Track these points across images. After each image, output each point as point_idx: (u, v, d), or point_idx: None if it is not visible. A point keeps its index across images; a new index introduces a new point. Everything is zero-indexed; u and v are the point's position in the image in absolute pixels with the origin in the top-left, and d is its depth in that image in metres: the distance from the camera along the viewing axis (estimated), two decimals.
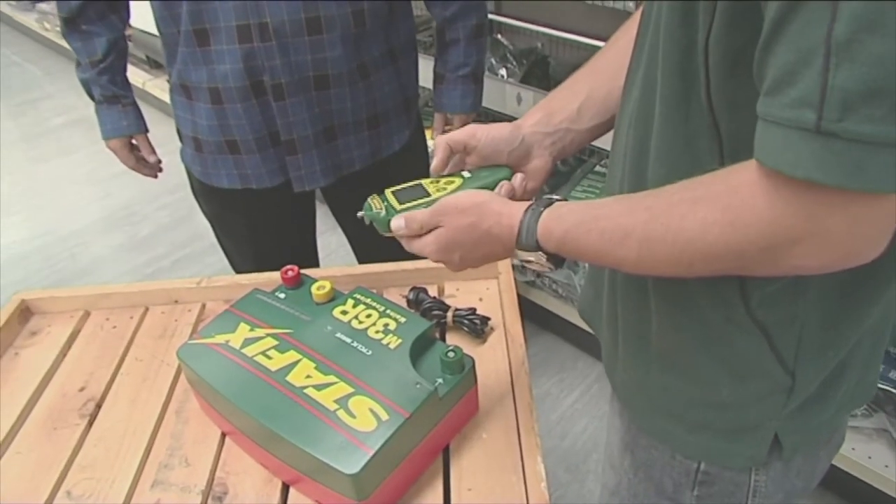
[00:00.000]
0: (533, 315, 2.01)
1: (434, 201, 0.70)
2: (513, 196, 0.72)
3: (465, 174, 0.75)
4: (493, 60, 1.87)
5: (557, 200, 0.63)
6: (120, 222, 2.86)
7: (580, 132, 0.76)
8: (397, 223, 0.70)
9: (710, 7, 0.48)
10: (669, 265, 0.53)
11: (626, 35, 0.75)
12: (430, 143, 1.43)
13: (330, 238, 2.02)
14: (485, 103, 1.38)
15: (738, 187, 0.47)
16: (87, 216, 2.93)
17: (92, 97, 1.24)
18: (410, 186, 0.75)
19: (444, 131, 1.35)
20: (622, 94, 0.68)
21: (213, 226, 1.36)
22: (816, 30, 0.39)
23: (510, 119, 1.74)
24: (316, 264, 1.50)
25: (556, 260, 0.63)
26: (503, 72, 1.85)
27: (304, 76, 1.08)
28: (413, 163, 1.31)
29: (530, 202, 0.63)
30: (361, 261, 1.47)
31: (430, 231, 0.68)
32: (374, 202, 0.74)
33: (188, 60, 1.09)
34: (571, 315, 1.90)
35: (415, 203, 0.72)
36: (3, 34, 5.11)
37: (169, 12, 1.07)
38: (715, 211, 0.48)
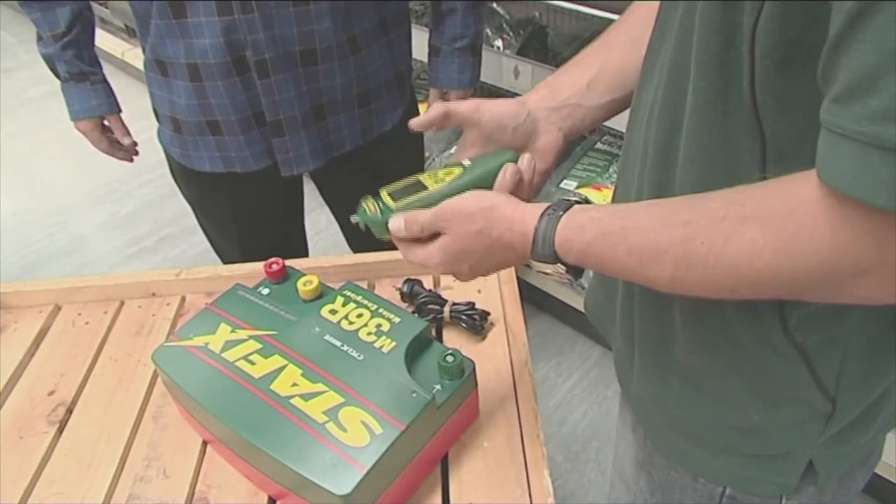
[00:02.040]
0: (529, 297, 1.95)
1: (434, 198, 0.63)
2: (521, 180, 0.64)
3: (466, 163, 0.68)
4: (488, 31, 1.79)
5: (576, 202, 0.55)
6: (101, 199, 2.77)
7: (591, 108, 0.69)
8: (396, 224, 0.62)
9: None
10: (709, 289, 0.46)
11: (646, 5, 0.68)
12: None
13: (319, 216, 1.95)
14: (481, 76, 1.31)
15: (795, 207, 0.40)
16: (66, 193, 2.83)
17: (57, 74, 1.15)
18: (406, 184, 0.68)
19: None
20: (641, 75, 0.61)
21: (194, 210, 1.28)
22: None
23: (508, 93, 1.67)
24: (304, 248, 1.43)
25: (576, 271, 0.56)
26: (499, 43, 1.77)
27: (289, 51, 0.99)
28: (406, 143, 1.24)
29: (546, 206, 0.56)
30: (352, 244, 1.40)
31: (433, 237, 0.61)
32: (367, 205, 0.66)
33: (163, 34, 1.01)
34: (569, 297, 1.84)
35: (413, 199, 0.65)
36: None
37: None
38: (766, 233, 0.41)
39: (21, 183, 2.94)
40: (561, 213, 0.54)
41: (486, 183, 0.65)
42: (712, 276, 0.45)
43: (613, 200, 0.71)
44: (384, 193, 0.67)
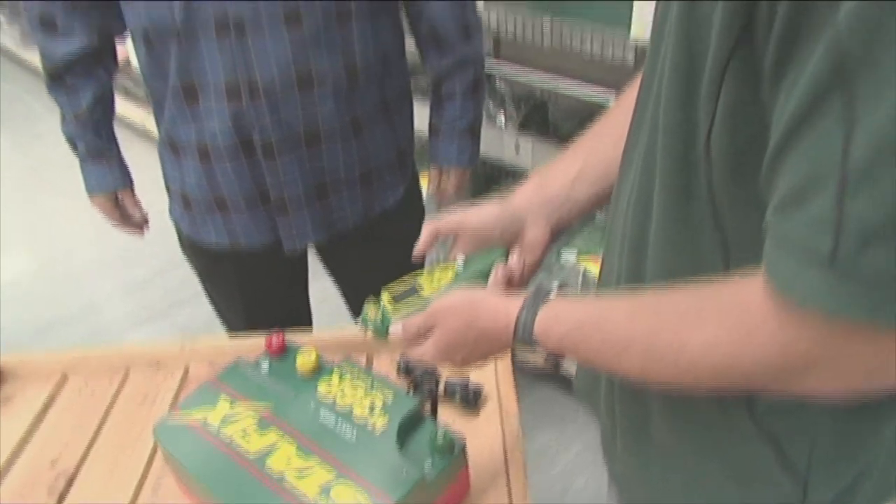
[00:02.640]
0: (531, 366, 1.96)
1: (429, 302, 0.69)
2: (512, 276, 0.68)
3: (460, 262, 0.73)
4: (490, 104, 1.85)
5: (556, 290, 0.59)
6: (115, 263, 2.83)
7: (578, 202, 0.73)
8: (395, 331, 0.68)
9: (710, 104, 0.44)
10: (674, 381, 0.49)
11: (630, 97, 0.72)
12: (424, 191, 1.39)
13: (325, 283, 1.99)
14: (482, 150, 1.35)
15: (747, 305, 0.43)
16: (82, 256, 2.89)
17: (76, 151, 1.20)
18: (406, 286, 0.73)
19: (440, 185, 1.31)
20: (620, 168, 0.64)
21: (202, 282, 1.32)
22: (830, 150, 0.35)
23: (509, 168, 1.72)
24: (308, 317, 1.46)
25: (557, 358, 0.59)
26: (501, 116, 1.83)
27: (294, 133, 1.05)
28: (407, 219, 1.28)
29: (525, 296, 0.59)
30: (355, 313, 1.43)
31: (427, 333, 0.66)
32: (370, 310, 0.72)
33: (176, 117, 1.07)
34: (571, 367, 1.85)
35: (410, 307, 0.71)
36: (7, 70, 5.14)
37: (157, 66, 1.04)
38: (722, 330, 0.44)
39: (39, 246, 3.01)
40: (539, 304, 0.57)
41: (479, 283, 0.70)
42: (675, 370, 0.47)
43: (599, 279, 0.74)
44: (385, 298, 0.72)
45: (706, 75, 0.43)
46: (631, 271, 0.59)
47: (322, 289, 1.63)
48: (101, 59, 1.15)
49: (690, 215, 0.50)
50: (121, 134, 1.26)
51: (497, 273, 0.68)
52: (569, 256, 1.64)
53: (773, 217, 0.40)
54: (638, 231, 0.57)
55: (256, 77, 0.99)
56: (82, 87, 1.14)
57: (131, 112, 3.51)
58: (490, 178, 1.85)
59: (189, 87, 1.02)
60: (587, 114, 1.72)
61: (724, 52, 0.41)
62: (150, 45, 1.02)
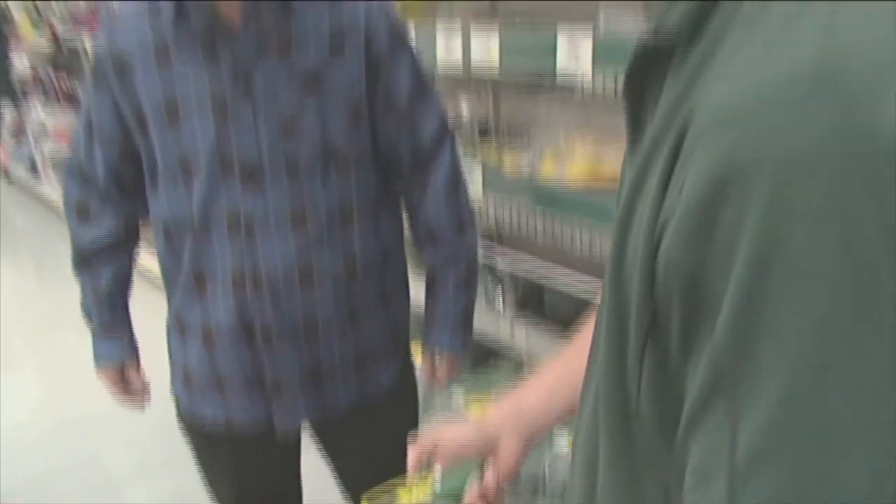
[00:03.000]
0: None
1: None
2: (487, 493, 0.72)
3: (437, 475, 0.77)
4: (489, 285, 1.93)
5: None
6: (119, 415, 2.83)
7: (551, 417, 0.76)
8: None
9: (636, 374, 0.49)
10: None
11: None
12: (417, 365, 1.41)
13: (317, 454, 1.98)
14: (478, 330, 1.38)
15: None
16: (88, 404, 2.91)
17: (90, 324, 1.28)
18: (385, 499, 0.78)
19: (433, 369, 1.34)
20: (581, 396, 0.68)
21: (196, 458, 1.34)
22: (719, 445, 0.40)
23: (504, 349, 1.76)
24: (298, 493, 1.46)
25: None
26: (499, 297, 1.90)
27: (293, 324, 1.12)
28: (401, 396, 1.32)
29: None
30: (349, 488, 1.42)
31: None
32: None
33: (185, 300, 1.15)
34: None
35: None
36: (49, 218, 5.45)
37: (173, 254, 1.14)
38: None
39: (48, 387, 3.06)
40: None
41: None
42: None
43: (567, 480, 0.76)
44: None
45: (631, 345, 0.48)
46: (585, 489, 0.62)
47: (314, 460, 1.64)
48: (126, 244, 1.26)
49: (632, 460, 0.54)
50: (141, 285, 1.33)
51: (472, 493, 0.71)
52: (560, 441, 1.64)
53: (686, 488, 0.44)
54: (589, 460, 0.60)
55: (261, 271, 1.08)
56: (105, 267, 1.23)
57: (153, 265, 3.67)
58: (485, 358, 1.89)
59: (199, 275, 1.11)
60: (583, 301, 1.79)
61: (641, 334, 0.46)
62: (168, 235, 1.13)
